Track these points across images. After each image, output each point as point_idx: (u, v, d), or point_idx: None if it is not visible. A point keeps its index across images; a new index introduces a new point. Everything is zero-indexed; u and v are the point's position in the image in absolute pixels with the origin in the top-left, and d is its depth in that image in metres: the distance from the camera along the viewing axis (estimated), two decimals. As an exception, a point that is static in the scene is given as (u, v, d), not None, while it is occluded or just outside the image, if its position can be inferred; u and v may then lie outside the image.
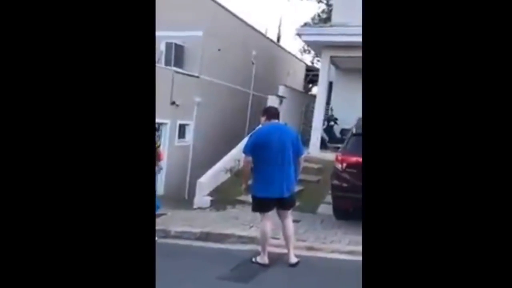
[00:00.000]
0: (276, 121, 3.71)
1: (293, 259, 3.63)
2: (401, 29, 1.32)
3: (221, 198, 6.47)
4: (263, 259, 3.67)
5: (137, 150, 1.37)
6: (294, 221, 4.83)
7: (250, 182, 3.78)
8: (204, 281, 3.41)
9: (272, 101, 8.95)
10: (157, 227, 4.89)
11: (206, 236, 4.69)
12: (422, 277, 1.23)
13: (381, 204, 1.28)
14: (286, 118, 9.47)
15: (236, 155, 7.43)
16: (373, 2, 1.36)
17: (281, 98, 9.12)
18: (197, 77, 9.22)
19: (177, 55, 9.07)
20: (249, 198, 4.85)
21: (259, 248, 3.79)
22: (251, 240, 4.54)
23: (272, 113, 3.72)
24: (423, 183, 1.26)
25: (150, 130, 1.47)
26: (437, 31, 1.29)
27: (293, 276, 3.54)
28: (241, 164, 3.84)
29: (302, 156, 3.73)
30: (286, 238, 3.66)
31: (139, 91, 1.40)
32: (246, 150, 3.61)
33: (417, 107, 1.28)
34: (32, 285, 1.25)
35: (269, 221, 3.63)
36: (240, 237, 4.61)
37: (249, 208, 5.12)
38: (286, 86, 9.84)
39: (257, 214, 3.90)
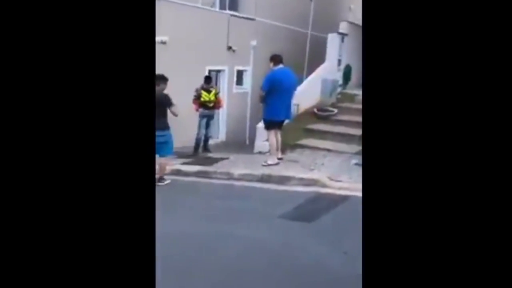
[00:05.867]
0: (282, 65, 5.18)
1: (279, 156, 5.36)
2: (403, 20, 1.28)
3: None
4: (273, 160, 5.22)
5: (136, 147, 1.32)
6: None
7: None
8: (267, 220, 3.51)
9: (332, 40, 8.37)
10: (221, 170, 5.13)
11: (268, 178, 4.77)
12: (422, 279, 1.22)
13: (380, 204, 1.27)
14: (349, 57, 8.85)
15: (294, 99, 7.23)
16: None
17: (342, 35, 8.48)
18: (253, 19, 8.88)
19: (231, -3, 8.73)
20: (308, 143, 6.30)
21: (320, 189, 4.36)
22: (313, 182, 4.53)
23: (278, 59, 5.20)
24: (424, 183, 1.24)
25: (149, 129, 1.41)
26: (438, 30, 1.26)
27: (355, 217, 3.48)
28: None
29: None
30: (278, 143, 5.37)
31: (139, 86, 1.33)
32: (264, 87, 5.14)
33: (418, 106, 1.27)
34: (32, 282, 1.23)
35: (274, 135, 5.33)
36: (301, 179, 4.62)
37: (309, 152, 5.53)
38: (348, 22, 9.07)
39: (317, 159, 5.43)
